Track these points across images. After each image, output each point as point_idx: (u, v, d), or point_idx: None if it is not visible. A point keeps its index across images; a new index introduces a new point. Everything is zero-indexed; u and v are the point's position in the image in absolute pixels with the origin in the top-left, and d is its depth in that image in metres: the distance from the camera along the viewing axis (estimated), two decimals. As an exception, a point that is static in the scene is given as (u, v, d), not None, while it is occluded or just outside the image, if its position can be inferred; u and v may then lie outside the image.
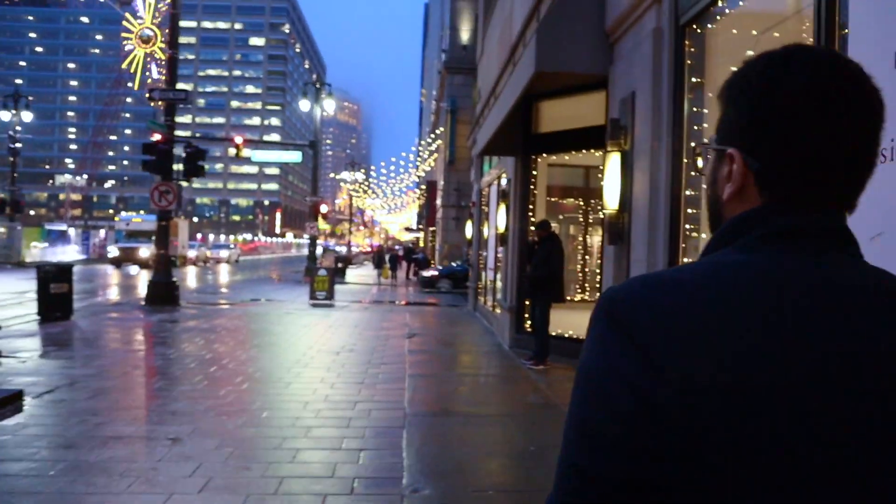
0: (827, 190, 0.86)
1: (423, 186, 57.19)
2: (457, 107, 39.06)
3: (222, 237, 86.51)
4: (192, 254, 49.64)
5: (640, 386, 0.75)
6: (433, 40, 72.67)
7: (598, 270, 14.90)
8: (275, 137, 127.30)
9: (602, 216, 7.19)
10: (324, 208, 37.36)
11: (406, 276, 39.65)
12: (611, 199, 6.95)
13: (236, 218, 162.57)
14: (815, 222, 0.85)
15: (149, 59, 19.33)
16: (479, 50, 19.26)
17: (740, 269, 0.81)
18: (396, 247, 41.55)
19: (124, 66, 19.15)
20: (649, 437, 0.73)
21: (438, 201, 43.27)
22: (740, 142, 0.90)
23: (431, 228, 51.71)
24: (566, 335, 10.73)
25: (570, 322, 10.69)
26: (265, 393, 8.01)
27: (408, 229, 76.14)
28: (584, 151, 10.95)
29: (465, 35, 40.11)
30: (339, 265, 38.61)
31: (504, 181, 13.91)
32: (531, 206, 11.76)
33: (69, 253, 46.10)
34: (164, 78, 19.03)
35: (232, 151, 33.28)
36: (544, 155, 11.75)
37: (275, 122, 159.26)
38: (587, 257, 16.24)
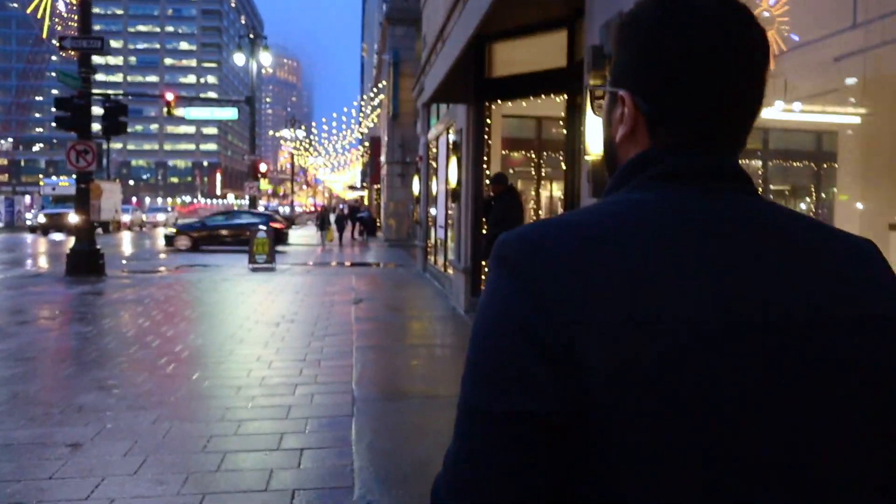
0: (717, 131, 0.86)
1: (367, 143, 55.62)
2: (399, 59, 37.62)
3: (160, 200, 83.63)
4: (126, 218, 47.64)
5: (528, 325, 0.75)
6: (373, -8, 70.54)
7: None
8: (212, 96, 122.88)
9: (584, 164, 6.23)
10: (263, 167, 35.77)
11: (351, 236, 38.04)
12: (594, 143, 5.76)
13: (175, 180, 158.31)
14: (707, 162, 0.85)
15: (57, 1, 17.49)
16: (422, -7, 18.07)
17: (627, 206, 0.82)
18: (341, 205, 39.85)
19: (30, 10, 17.28)
20: (538, 372, 0.73)
21: (382, 158, 41.92)
22: (632, 84, 0.89)
23: (376, 186, 50.33)
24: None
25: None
26: (191, 377, 6.95)
27: (352, 188, 74.51)
28: (543, 97, 9.99)
29: (407, -16, 38.45)
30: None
31: (453, 133, 12.92)
32: (486, 159, 10.80)
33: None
34: (75, 24, 17.28)
35: (165, 111, 31.58)
36: (499, 102, 10.75)
37: (211, 79, 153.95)
38: (541, 213, 15.40)
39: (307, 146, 68.83)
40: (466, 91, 10.90)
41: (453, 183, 11.59)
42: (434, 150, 17.04)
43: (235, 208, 45.89)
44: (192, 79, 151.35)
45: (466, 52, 9.21)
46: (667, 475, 0.72)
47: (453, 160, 11.54)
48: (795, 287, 0.79)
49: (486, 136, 10.75)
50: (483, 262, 10.80)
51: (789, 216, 0.85)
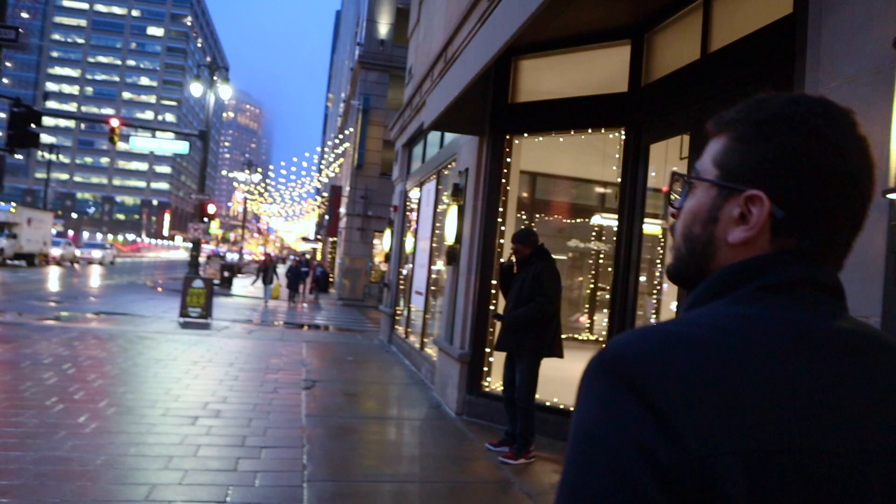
0: (834, 244, 0.85)
1: (325, 194, 52.60)
2: (370, 106, 35.25)
3: (99, 236, 79.17)
4: (56, 252, 43.50)
5: (653, 451, 0.68)
6: (344, 44, 68.63)
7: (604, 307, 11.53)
8: (168, 135, 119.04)
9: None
10: (212, 208, 32.48)
11: (301, 294, 33.77)
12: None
13: (121, 217, 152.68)
14: (817, 275, 0.83)
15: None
16: (412, 20, 15.56)
17: (742, 321, 0.78)
18: (294, 257, 35.84)
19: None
20: None
21: (342, 209, 39.05)
22: (769, 185, 0.84)
23: (332, 239, 47.25)
24: (553, 404, 7.13)
25: (560, 383, 7.06)
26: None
27: (305, 239, 71.17)
28: (589, 130, 7.38)
29: (383, 29, 36.40)
30: (226, 274, 33.82)
31: (454, 174, 10.27)
32: (501, 210, 8.08)
33: None
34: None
35: (122, 146, 28.58)
36: (525, 135, 8.10)
37: (170, 117, 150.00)
38: (590, 287, 12.30)
39: (261, 191, 65.72)
40: (478, 119, 8.25)
41: (451, 238, 8.81)
42: (414, 199, 14.32)
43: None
44: (149, 115, 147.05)
45: (487, 69, 6.56)
46: None
47: (452, 210, 8.78)
48: None
49: (503, 180, 8.06)
50: (487, 350, 7.97)
51: (875, 333, 0.84)
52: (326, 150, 54.73)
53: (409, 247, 14.07)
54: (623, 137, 6.95)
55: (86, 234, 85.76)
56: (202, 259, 31.55)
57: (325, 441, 6.60)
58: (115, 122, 30.04)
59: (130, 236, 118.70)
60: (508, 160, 8.05)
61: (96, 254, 51.09)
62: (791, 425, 0.71)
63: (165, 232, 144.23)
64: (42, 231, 40.69)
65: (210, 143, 31.25)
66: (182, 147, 32.74)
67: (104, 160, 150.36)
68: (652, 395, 0.70)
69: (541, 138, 8.08)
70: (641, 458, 0.68)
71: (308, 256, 44.84)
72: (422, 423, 8.02)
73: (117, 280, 34.06)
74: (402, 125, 14.44)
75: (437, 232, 11.43)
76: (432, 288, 11.37)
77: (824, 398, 0.73)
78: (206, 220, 32.83)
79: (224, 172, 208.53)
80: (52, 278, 30.54)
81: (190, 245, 26.36)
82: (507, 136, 8.03)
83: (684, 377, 0.71)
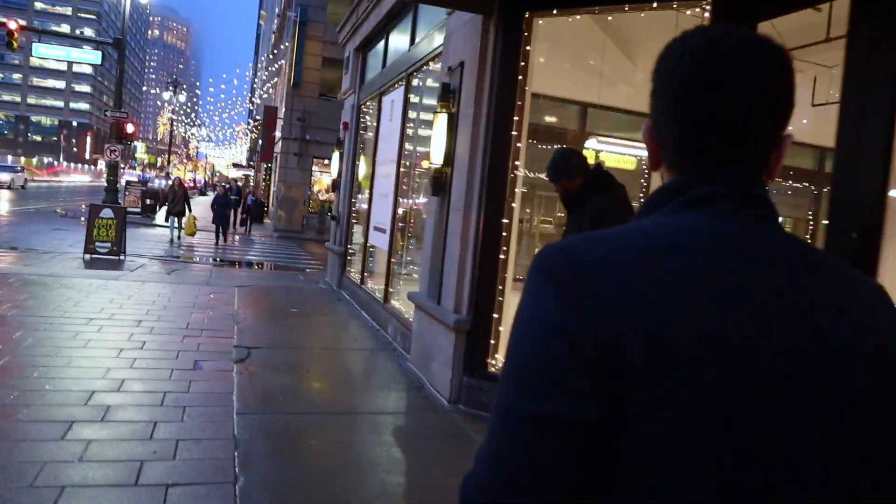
0: (733, 156, 0.89)
1: (258, 118, 48.69)
2: (307, 18, 31.76)
3: (10, 158, 73.53)
4: (-46, 175, 39.18)
5: (567, 330, 0.78)
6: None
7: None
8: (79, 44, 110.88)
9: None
10: (130, 128, 28.90)
11: (231, 225, 26.21)
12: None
13: (38, 138, 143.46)
14: (732, 190, 0.88)
15: None
16: None
17: (665, 227, 0.86)
18: (225, 184, 32.24)
19: None
20: (578, 379, 0.76)
21: (278, 133, 35.81)
22: (653, 116, 0.95)
23: (266, 165, 43.82)
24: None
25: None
26: None
27: (236, 165, 67.24)
28: (654, 5, 5.05)
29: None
30: (149, 202, 30.55)
31: (434, 76, 7.90)
32: (517, 118, 5.74)
33: None
34: None
35: (36, 62, 25.13)
36: (555, 12, 5.68)
37: (88, 32, 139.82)
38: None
39: (187, 111, 61.38)
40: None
41: (437, 160, 6.43)
42: (369, 114, 11.80)
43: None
44: (65, 28, 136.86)
45: None
46: (683, 489, 0.75)
47: (440, 120, 6.37)
48: (825, 320, 0.81)
49: (520, 76, 5.69)
50: (495, 316, 5.75)
51: (806, 248, 0.88)
52: (259, 68, 50.68)
53: (363, 172, 11.64)
54: (708, 14, 4.67)
55: (9, 158, 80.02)
56: (121, 185, 28.17)
57: (269, 467, 4.32)
58: (12, 25, 26.26)
59: (48, 159, 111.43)
60: (528, 48, 5.67)
61: (4, 177, 46.62)
62: (690, 314, 0.77)
63: (87, 155, 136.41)
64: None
65: (129, 55, 27.67)
66: (94, 57, 29.06)
67: (16, 76, 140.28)
68: (566, 285, 0.81)
69: (576, 17, 5.68)
70: (561, 338, 0.78)
71: (240, 184, 41.00)
72: (406, 419, 5.79)
73: (24, 206, 30.53)
74: (356, 23, 11.78)
75: (405, 153, 9.05)
76: (400, 224, 9.04)
77: (717, 294, 0.79)
78: (124, 141, 29.53)
79: (150, 91, 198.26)
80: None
81: (116, 170, 23.17)
82: (526, 14, 5.64)
83: (595, 268, 0.81)
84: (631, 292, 0.78)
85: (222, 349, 7.02)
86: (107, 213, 13.69)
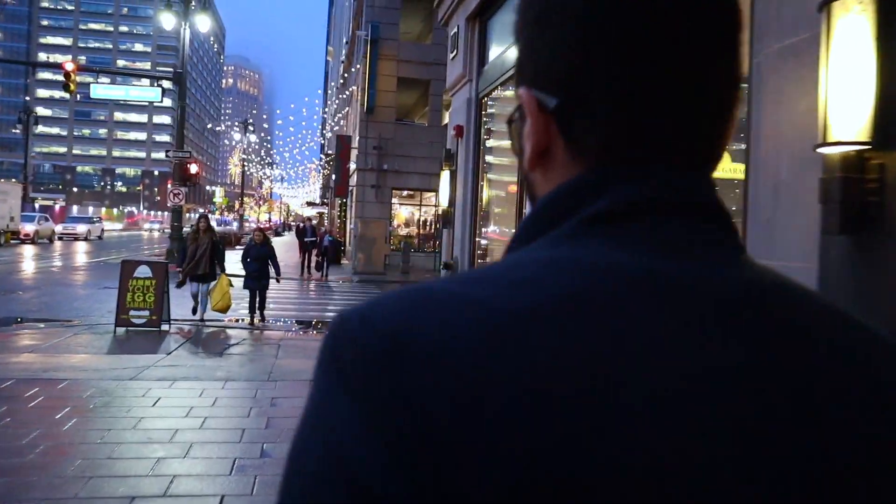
0: (678, 133, 0.55)
1: (330, 152, 46.20)
2: (379, 35, 28.94)
3: (91, 209, 74.00)
4: (29, 228, 37.88)
5: (372, 487, 0.42)
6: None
7: None
8: (166, 103, 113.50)
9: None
10: (194, 168, 26.51)
11: (305, 269, 24.79)
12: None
13: (123, 189, 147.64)
14: (669, 191, 0.54)
15: None
16: None
17: (552, 268, 0.50)
18: (299, 223, 28.91)
19: None
20: None
21: (352, 164, 33.07)
22: (529, 75, 0.59)
23: (341, 200, 41.04)
24: None
25: None
26: None
27: (310, 203, 65.64)
28: None
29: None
30: (222, 247, 28.02)
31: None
32: None
33: None
34: None
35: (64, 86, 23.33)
36: None
37: (167, 85, 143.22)
38: None
39: (257, 149, 60.18)
40: None
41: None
42: (495, 111, 8.48)
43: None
44: (144, 82, 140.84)
45: None
46: None
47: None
48: (833, 427, 0.46)
49: None
50: None
51: (788, 292, 0.53)
52: (329, 100, 48.59)
53: (483, 197, 8.30)
54: None
55: (90, 209, 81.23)
56: (186, 231, 25.59)
57: None
58: (69, 66, 24.39)
59: (128, 209, 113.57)
60: None
61: (80, 228, 45.90)
62: (602, 447, 0.45)
63: (169, 203, 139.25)
64: (6, 205, 35.12)
65: (205, 103, 25.60)
66: (154, 94, 27.11)
67: (102, 131, 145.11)
68: (370, 395, 0.44)
69: None
70: (353, 492, 0.43)
71: (314, 222, 37.86)
72: None
73: (95, 258, 28.63)
74: (453, -8, 8.53)
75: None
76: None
77: (654, 399, 0.44)
78: (188, 183, 27.15)
79: (224, 139, 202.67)
80: (5, 260, 25.05)
81: (194, 215, 20.62)
82: None
83: (424, 360, 0.44)
84: (493, 410, 0.42)
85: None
86: (143, 271, 10.68)
